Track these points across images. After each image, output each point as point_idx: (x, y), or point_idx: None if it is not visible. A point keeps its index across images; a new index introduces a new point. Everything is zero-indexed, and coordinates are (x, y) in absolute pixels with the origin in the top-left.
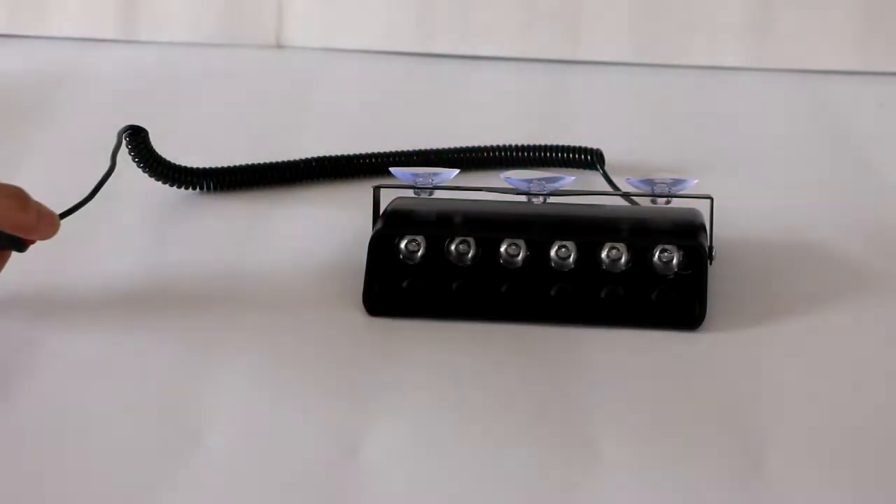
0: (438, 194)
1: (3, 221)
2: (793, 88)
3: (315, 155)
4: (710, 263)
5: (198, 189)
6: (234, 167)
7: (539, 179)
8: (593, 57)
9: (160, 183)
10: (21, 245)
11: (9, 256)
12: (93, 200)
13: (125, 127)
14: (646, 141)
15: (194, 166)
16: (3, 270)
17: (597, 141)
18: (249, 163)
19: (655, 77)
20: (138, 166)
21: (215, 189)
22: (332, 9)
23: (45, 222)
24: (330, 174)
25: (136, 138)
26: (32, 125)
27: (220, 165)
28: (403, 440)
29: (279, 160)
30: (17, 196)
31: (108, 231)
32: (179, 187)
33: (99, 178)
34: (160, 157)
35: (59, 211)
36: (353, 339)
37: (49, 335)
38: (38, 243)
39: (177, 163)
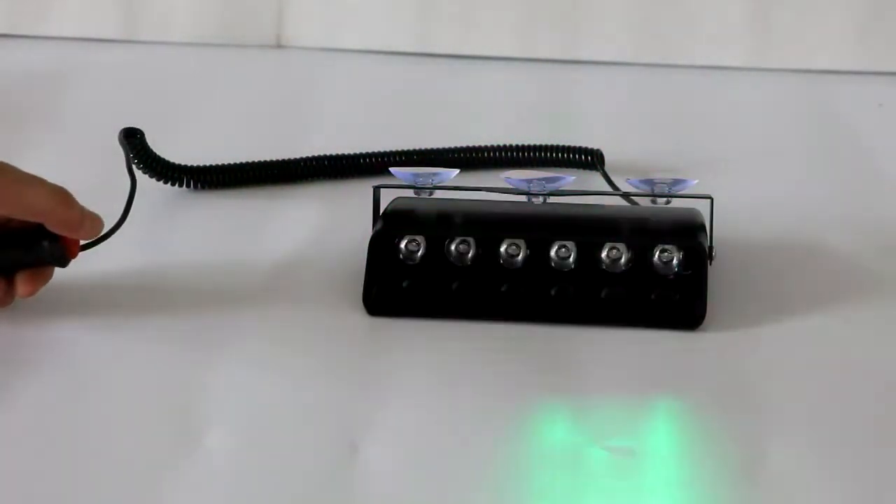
0: (438, 194)
1: (50, 217)
2: (793, 88)
3: (315, 154)
4: (710, 263)
5: (198, 186)
6: (233, 165)
7: (539, 179)
8: (593, 57)
9: (160, 182)
10: (64, 259)
11: (51, 274)
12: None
13: (122, 130)
14: (646, 141)
15: (194, 165)
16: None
17: (597, 141)
18: (249, 161)
19: (655, 77)
20: (137, 167)
21: (216, 187)
22: (332, 9)
23: (89, 221)
24: (330, 173)
25: (134, 140)
26: (32, 125)
27: (220, 164)
28: (403, 439)
29: (279, 159)
30: (62, 193)
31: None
32: (178, 185)
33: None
34: (158, 157)
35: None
36: (353, 338)
37: (47, 334)
38: None
39: (175, 161)
